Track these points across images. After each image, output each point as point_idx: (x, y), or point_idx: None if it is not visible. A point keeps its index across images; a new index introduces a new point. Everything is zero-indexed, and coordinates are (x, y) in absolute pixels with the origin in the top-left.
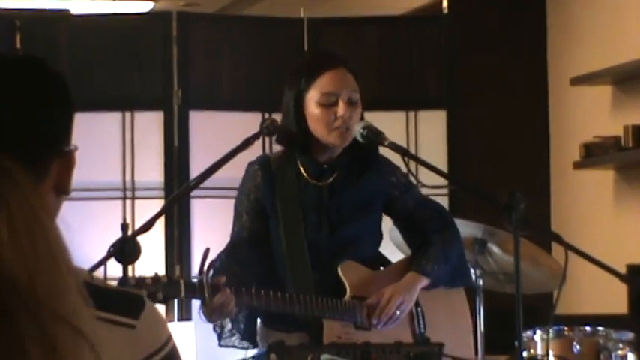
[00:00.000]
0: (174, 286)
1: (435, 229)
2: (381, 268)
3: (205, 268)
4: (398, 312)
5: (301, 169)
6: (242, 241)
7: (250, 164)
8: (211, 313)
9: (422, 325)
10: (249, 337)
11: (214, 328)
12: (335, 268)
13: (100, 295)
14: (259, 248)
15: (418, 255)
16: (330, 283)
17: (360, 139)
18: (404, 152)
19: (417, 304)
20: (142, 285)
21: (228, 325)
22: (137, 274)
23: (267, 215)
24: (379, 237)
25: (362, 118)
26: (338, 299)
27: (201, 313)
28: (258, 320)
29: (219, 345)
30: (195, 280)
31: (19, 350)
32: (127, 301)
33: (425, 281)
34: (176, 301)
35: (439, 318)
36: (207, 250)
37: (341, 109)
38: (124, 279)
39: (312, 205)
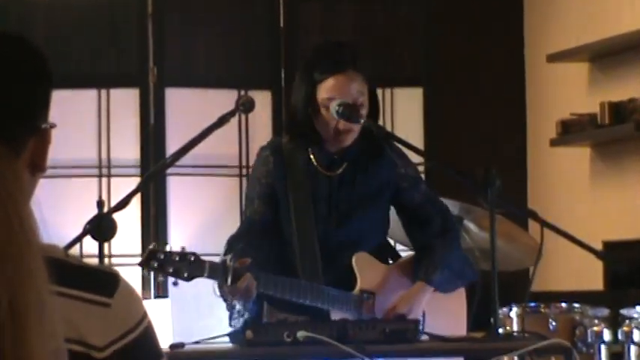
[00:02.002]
0: (199, 267)
1: (438, 231)
2: (389, 259)
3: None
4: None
5: (312, 158)
6: (254, 225)
7: (262, 149)
8: (233, 295)
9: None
10: (256, 319)
11: (226, 308)
12: (343, 259)
13: (74, 273)
14: (270, 233)
15: (423, 263)
16: (338, 273)
17: (335, 115)
18: (380, 130)
19: None
20: (169, 261)
21: (238, 307)
22: (113, 251)
23: (277, 200)
24: (387, 227)
25: (373, 116)
26: (347, 292)
27: (217, 291)
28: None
29: (229, 325)
30: (220, 262)
31: None
32: (101, 278)
33: (431, 289)
34: (152, 278)
35: (436, 301)
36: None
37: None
38: (154, 255)
39: (322, 195)
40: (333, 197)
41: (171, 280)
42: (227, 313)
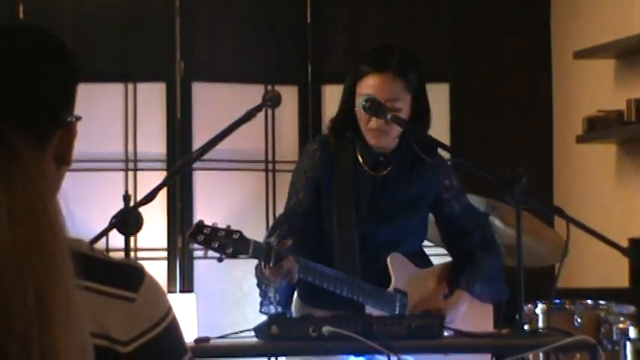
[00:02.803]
0: (244, 244)
1: (478, 243)
2: (422, 266)
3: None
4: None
5: (359, 156)
6: (297, 215)
7: (310, 143)
8: (275, 276)
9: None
10: (284, 308)
11: (259, 294)
12: (379, 259)
13: (100, 267)
14: (311, 225)
15: (464, 272)
16: (373, 272)
17: (361, 110)
18: (406, 126)
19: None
20: (215, 237)
21: (270, 294)
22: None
23: (321, 194)
24: (424, 234)
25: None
26: (382, 289)
27: (258, 272)
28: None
29: (260, 311)
30: (263, 242)
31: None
32: (126, 273)
33: (470, 298)
34: (178, 272)
35: (463, 324)
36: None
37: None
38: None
39: (365, 194)
40: (376, 197)
41: (198, 275)
42: (252, 308)
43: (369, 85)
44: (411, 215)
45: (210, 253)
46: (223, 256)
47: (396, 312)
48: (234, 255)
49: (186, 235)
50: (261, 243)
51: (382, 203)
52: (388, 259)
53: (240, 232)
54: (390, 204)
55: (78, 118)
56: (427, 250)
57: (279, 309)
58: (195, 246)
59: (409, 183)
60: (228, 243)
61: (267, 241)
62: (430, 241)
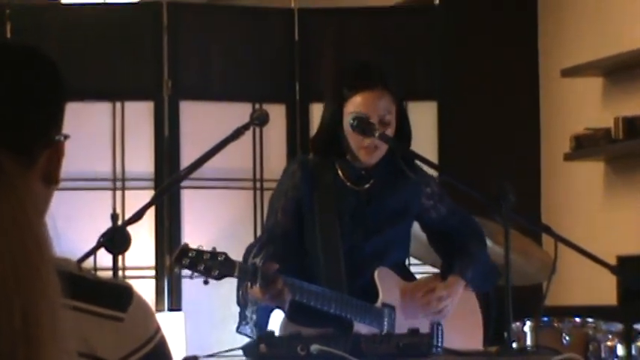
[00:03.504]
0: (229, 266)
1: (468, 235)
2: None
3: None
4: (437, 304)
5: (340, 172)
6: (276, 237)
7: (290, 163)
8: (265, 298)
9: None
10: (261, 329)
11: (239, 313)
12: (366, 274)
13: (88, 287)
14: (291, 246)
15: (456, 259)
16: (360, 287)
17: (350, 128)
18: (394, 144)
19: (438, 324)
20: (200, 259)
21: (247, 313)
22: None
23: (302, 215)
24: (408, 246)
25: (404, 137)
26: (370, 304)
27: (243, 292)
28: (282, 314)
29: (237, 331)
30: (249, 264)
31: None
32: (114, 293)
33: (463, 284)
34: (166, 291)
35: (452, 317)
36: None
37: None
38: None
39: (348, 209)
40: (359, 212)
41: (187, 293)
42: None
43: (358, 104)
44: (398, 225)
45: (197, 274)
46: (209, 279)
47: (385, 327)
48: (219, 277)
49: (172, 260)
50: (246, 265)
51: (367, 217)
52: (375, 274)
53: (225, 254)
54: (376, 216)
55: (66, 137)
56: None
57: (255, 330)
58: (183, 271)
59: (393, 194)
60: (213, 265)
61: (253, 262)
62: (415, 257)
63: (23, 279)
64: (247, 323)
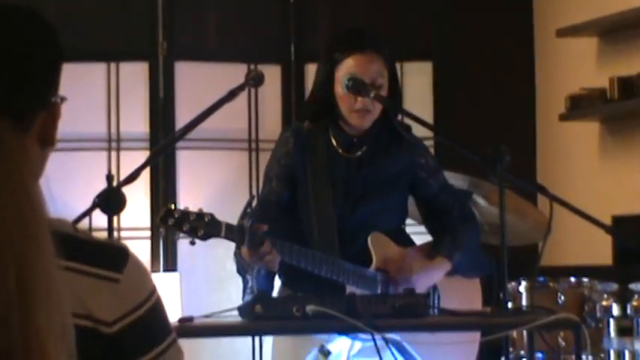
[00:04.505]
0: (215, 226)
1: (458, 218)
2: (404, 246)
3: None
4: (415, 278)
5: (332, 139)
6: (271, 204)
7: (284, 131)
8: (253, 260)
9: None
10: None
11: (242, 282)
12: (359, 240)
13: (84, 248)
14: (286, 213)
15: (445, 241)
16: (354, 253)
17: (345, 90)
18: (389, 104)
19: (434, 287)
20: (186, 219)
21: (250, 282)
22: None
23: (296, 182)
24: (404, 214)
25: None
26: (363, 268)
27: (239, 259)
28: (278, 281)
29: (242, 300)
30: (236, 225)
31: None
32: (110, 254)
33: (448, 266)
34: (161, 251)
35: (452, 304)
36: (251, 198)
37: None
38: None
39: (340, 176)
40: (351, 179)
41: (183, 253)
42: (236, 288)
43: (350, 66)
44: (388, 194)
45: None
46: (195, 239)
47: (378, 292)
48: (205, 237)
49: (157, 220)
50: (233, 225)
51: (358, 184)
52: (369, 238)
53: (211, 214)
54: (365, 184)
55: (62, 99)
56: (409, 229)
57: None
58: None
59: (384, 162)
60: (199, 226)
61: (240, 224)
62: (412, 218)
63: (17, 240)
64: (252, 293)
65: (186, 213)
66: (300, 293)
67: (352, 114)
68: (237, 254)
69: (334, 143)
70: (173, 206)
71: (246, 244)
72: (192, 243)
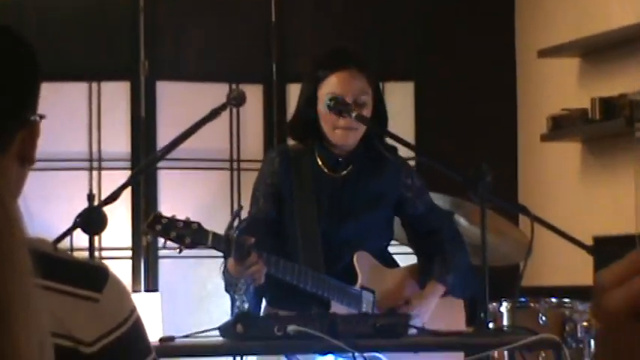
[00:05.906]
0: (202, 235)
1: (446, 239)
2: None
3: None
4: (415, 313)
5: (318, 159)
6: (258, 221)
7: (270, 151)
8: (239, 272)
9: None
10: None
11: (230, 298)
12: (344, 259)
13: (63, 267)
14: (273, 231)
15: (435, 263)
16: (339, 272)
17: (326, 109)
18: (370, 124)
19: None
20: (173, 227)
21: (237, 302)
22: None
23: (282, 200)
24: (389, 234)
25: (380, 122)
26: (348, 285)
27: (225, 274)
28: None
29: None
30: (223, 234)
31: None
32: (90, 273)
33: (443, 289)
34: (143, 271)
35: (436, 324)
36: (239, 209)
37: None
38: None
39: (326, 195)
40: (336, 198)
41: (163, 273)
42: (217, 307)
43: (333, 84)
44: (372, 213)
45: (170, 244)
46: (182, 247)
47: (364, 309)
48: (192, 245)
49: (144, 226)
50: (220, 234)
51: (343, 203)
52: (354, 257)
53: (198, 223)
54: (350, 202)
55: (42, 117)
56: (392, 249)
57: None
58: (158, 238)
59: (369, 181)
60: (186, 233)
61: (227, 233)
62: (395, 239)
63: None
64: (239, 309)
65: (173, 220)
66: (283, 312)
67: (335, 132)
68: (225, 272)
69: (319, 163)
70: (160, 213)
71: (232, 255)
72: (180, 250)
